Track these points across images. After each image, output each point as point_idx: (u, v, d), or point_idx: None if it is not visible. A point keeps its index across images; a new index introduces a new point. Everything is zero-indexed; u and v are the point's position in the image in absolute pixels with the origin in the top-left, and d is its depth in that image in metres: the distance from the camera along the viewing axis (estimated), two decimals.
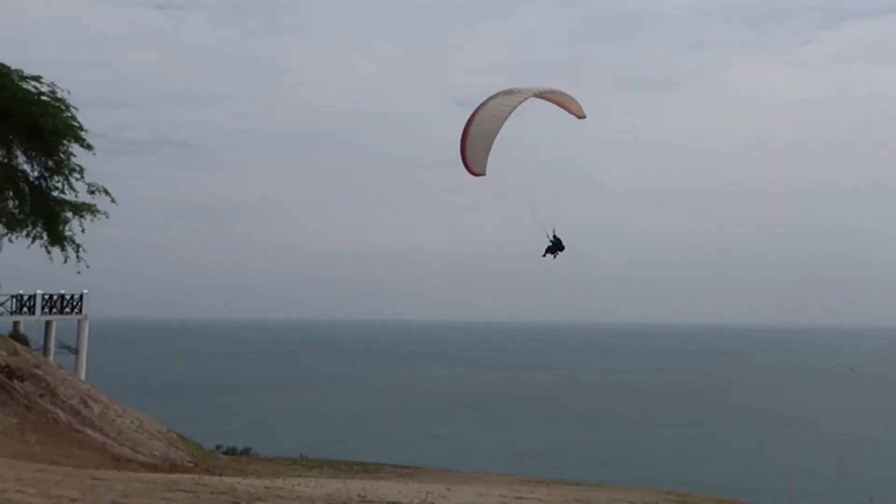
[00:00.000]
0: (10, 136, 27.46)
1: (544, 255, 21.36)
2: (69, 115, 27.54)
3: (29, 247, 27.66)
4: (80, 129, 27.84)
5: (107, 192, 28.29)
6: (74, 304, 45.06)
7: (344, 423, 79.86)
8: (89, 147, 28.16)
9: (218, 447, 40.26)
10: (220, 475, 21.72)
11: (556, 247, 21.34)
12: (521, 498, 19.45)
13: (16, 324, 41.21)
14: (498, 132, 20.64)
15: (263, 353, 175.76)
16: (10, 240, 27.16)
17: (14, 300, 42.18)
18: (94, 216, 28.17)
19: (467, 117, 20.85)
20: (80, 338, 45.34)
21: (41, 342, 42.16)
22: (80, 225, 27.74)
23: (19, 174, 27.89)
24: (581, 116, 22.04)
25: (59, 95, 27.44)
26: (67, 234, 27.73)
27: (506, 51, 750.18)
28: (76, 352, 44.85)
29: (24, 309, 42.63)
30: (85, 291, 45.50)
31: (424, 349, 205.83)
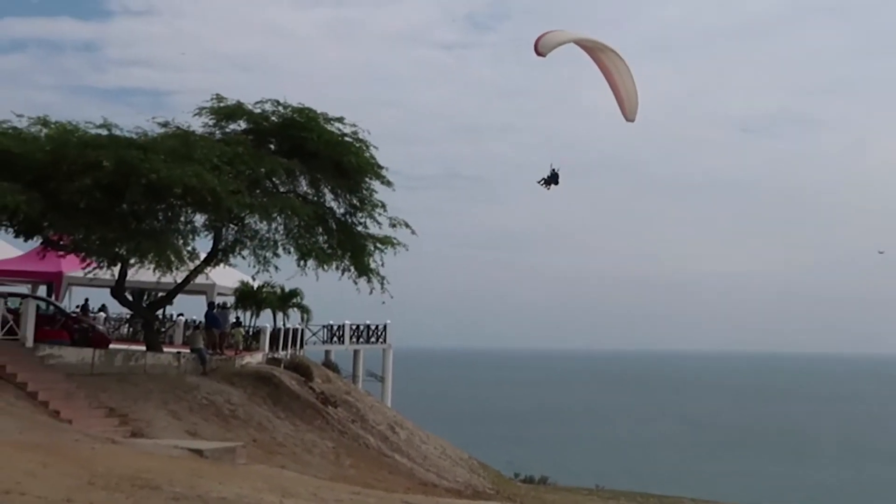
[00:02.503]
0: (318, 176, 29.22)
1: (539, 182, 23.84)
2: (370, 153, 28.95)
3: (339, 279, 29.26)
4: (380, 166, 29.19)
5: (407, 226, 29.46)
6: (379, 333, 47.32)
7: (637, 453, 78.03)
8: (389, 184, 29.46)
9: (516, 475, 40.53)
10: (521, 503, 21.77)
11: (552, 179, 23.74)
12: None
13: (327, 352, 43.85)
14: (572, 41, 23.05)
15: (556, 382, 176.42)
16: (323, 269, 28.75)
17: (325, 330, 44.94)
18: (396, 249, 29.39)
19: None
20: (385, 366, 47.54)
21: (350, 370, 44.56)
22: (382, 259, 29.01)
23: (327, 211, 29.64)
24: (629, 119, 24.00)
25: (360, 136, 28.93)
26: (372, 266, 29.07)
27: (788, 71, 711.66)
28: (382, 379, 47.04)
29: (334, 338, 45.30)
30: (388, 321, 47.71)
31: (712, 378, 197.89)
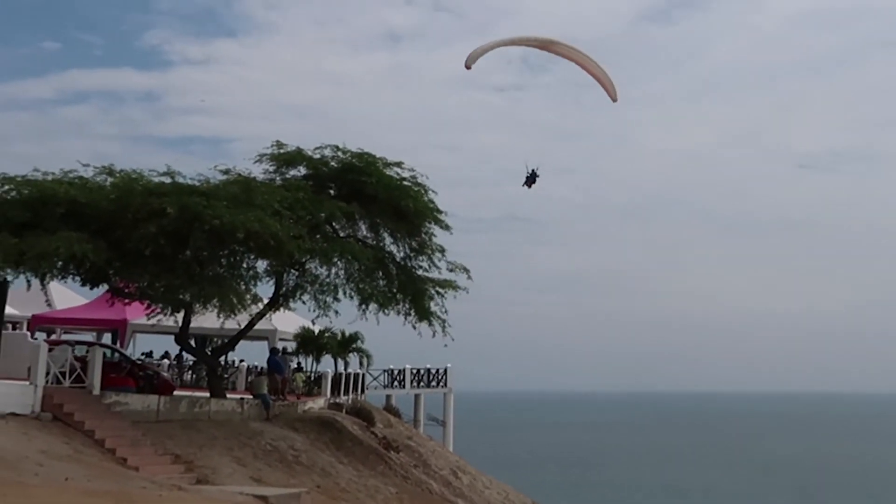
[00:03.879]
0: (378, 220, 29.29)
1: (523, 185, 25.74)
2: (428, 198, 28.98)
3: (401, 324, 29.18)
4: (439, 210, 29.19)
5: (465, 270, 29.34)
6: (440, 377, 47.10)
7: (705, 501, 76.22)
8: (447, 227, 29.42)
9: None
10: None
11: (531, 179, 25.56)
12: None
13: (388, 397, 43.72)
14: (503, 46, 24.93)
15: (619, 424, 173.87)
16: (384, 313, 28.72)
17: (386, 374, 44.85)
18: (456, 292, 29.25)
19: None
20: (446, 410, 47.25)
21: (411, 414, 44.34)
22: (443, 302, 28.88)
23: (387, 255, 29.66)
24: (614, 99, 25.80)
25: (418, 180, 29.01)
26: (433, 309, 28.96)
27: (847, 106, 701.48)
28: (443, 424, 46.72)
29: (395, 383, 45.18)
30: (448, 365, 47.48)
31: (776, 419, 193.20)
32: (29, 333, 32.04)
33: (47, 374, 22.48)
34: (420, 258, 29.61)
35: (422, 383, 46.37)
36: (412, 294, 28.82)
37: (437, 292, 28.94)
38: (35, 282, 25.94)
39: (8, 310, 24.69)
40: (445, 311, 29.00)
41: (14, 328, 33.53)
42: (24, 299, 32.27)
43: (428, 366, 46.89)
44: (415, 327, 28.99)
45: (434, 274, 29.34)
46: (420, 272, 29.54)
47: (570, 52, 25.20)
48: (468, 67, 24.60)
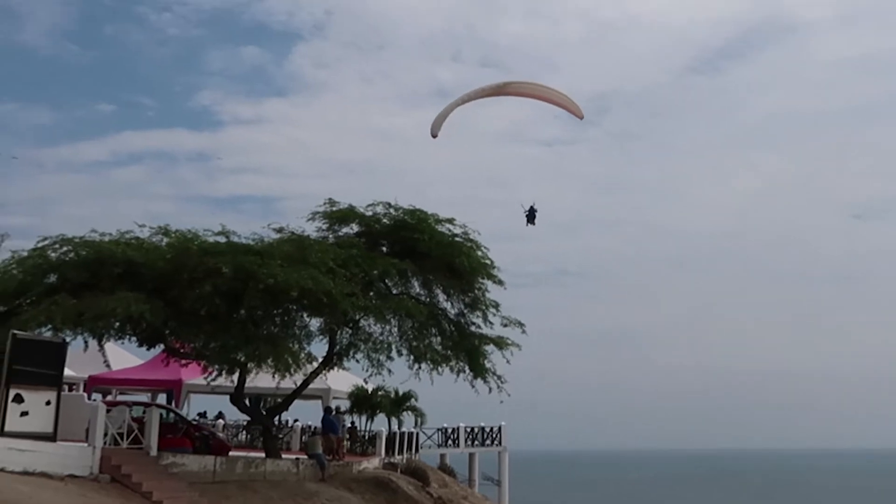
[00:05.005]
0: (431, 277, 29.18)
1: (527, 224, 27.62)
2: (481, 253, 28.85)
3: (455, 381, 28.84)
4: (493, 266, 29.02)
5: (520, 324, 29.01)
6: (494, 435, 46.51)
7: None
8: (501, 283, 29.19)
9: None
10: None
11: (531, 217, 27.49)
12: None
13: (442, 456, 43.23)
14: (460, 105, 25.50)
15: (677, 483, 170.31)
16: (437, 372, 28.45)
17: (440, 433, 44.39)
18: (510, 349, 28.89)
19: None
20: (500, 469, 46.56)
21: (466, 473, 43.75)
22: (505, 357, 28.53)
23: (440, 312, 29.48)
24: (580, 116, 26.95)
25: (470, 235, 28.94)
26: (488, 366, 28.62)
27: None
28: (498, 483, 46.02)
29: (449, 441, 44.67)
30: (503, 423, 46.91)
31: (836, 478, 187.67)
32: (86, 395, 32.26)
33: (105, 435, 22.51)
34: (474, 314, 29.40)
35: (476, 442, 45.80)
36: (466, 350, 28.54)
37: (495, 346, 28.59)
38: (93, 343, 26.20)
39: (66, 371, 24.83)
40: (507, 363, 28.70)
41: (71, 389, 33.79)
42: (81, 360, 32.53)
43: (482, 424, 46.37)
44: (472, 385, 28.65)
45: (487, 330, 29.09)
46: (473, 328, 29.29)
47: (525, 88, 25.63)
48: (434, 136, 25.40)
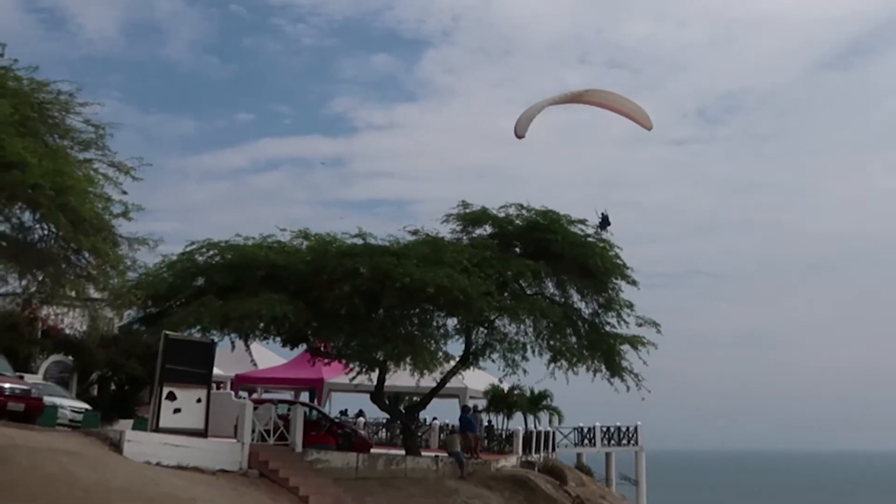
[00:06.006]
0: (564, 277, 29.10)
1: (604, 230, 27.85)
2: (613, 253, 28.59)
3: (591, 381, 28.67)
4: (626, 266, 28.70)
5: (655, 324, 28.56)
6: (630, 435, 45.98)
7: None
8: (634, 283, 28.83)
9: None
10: None
11: (605, 223, 27.77)
12: None
13: (579, 455, 43.01)
14: (544, 108, 25.66)
15: (826, 486, 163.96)
16: (573, 371, 28.33)
17: (576, 432, 44.18)
18: (646, 348, 28.50)
19: None
20: (637, 469, 45.97)
21: (603, 473, 43.40)
22: (641, 356, 28.19)
23: (575, 311, 29.36)
24: (649, 128, 26.67)
25: (602, 236, 28.72)
26: (624, 364, 28.35)
27: None
28: (636, 483, 45.46)
29: (585, 441, 44.41)
30: (639, 423, 46.33)
31: None
32: (233, 393, 33.54)
33: (253, 431, 23.36)
34: (608, 314, 29.18)
35: (612, 441, 45.35)
36: (602, 350, 28.33)
37: (631, 345, 28.26)
38: (239, 342, 27.27)
39: (214, 370, 25.89)
40: (644, 363, 28.36)
41: (219, 387, 35.18)
42: (228, 359, 33.82)
43: (618, 423, 45.91)
44: (611, 382, 28.43)
45: (622, 330, 28.82)
46: (608, 328, 29.07)
47: (599, 97, 25.09)
48: (520, 137, 25.30)
